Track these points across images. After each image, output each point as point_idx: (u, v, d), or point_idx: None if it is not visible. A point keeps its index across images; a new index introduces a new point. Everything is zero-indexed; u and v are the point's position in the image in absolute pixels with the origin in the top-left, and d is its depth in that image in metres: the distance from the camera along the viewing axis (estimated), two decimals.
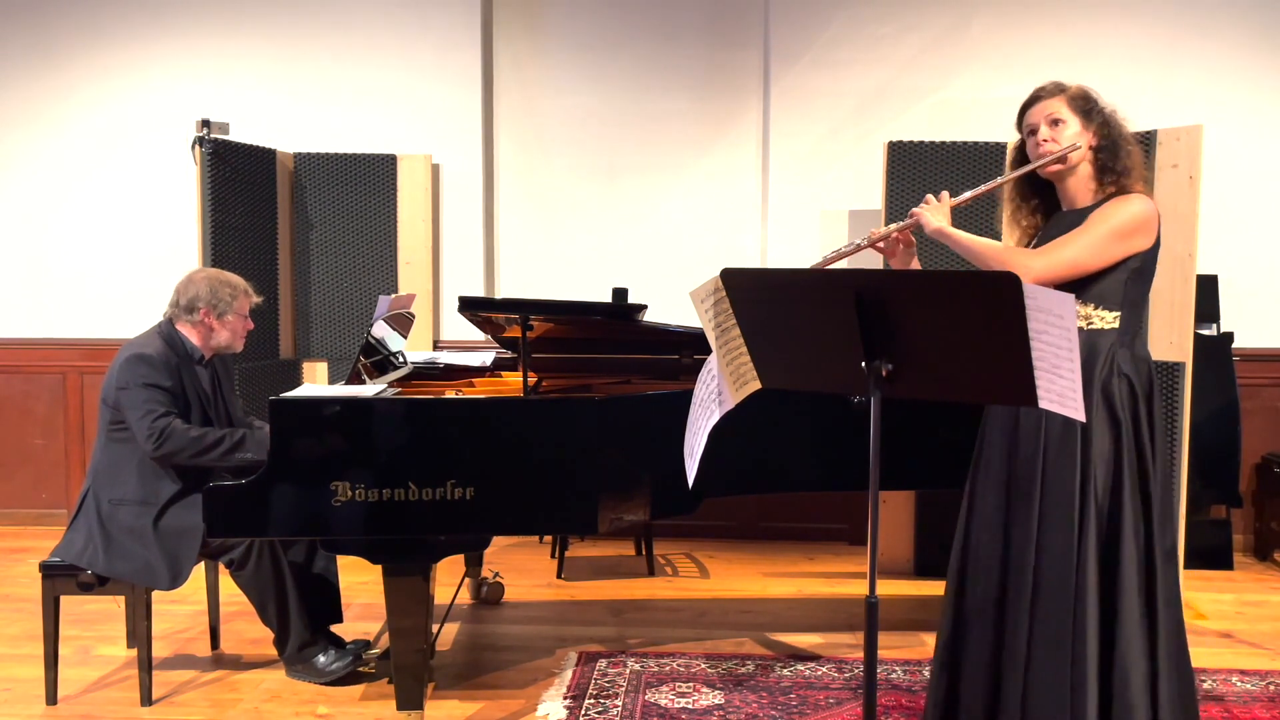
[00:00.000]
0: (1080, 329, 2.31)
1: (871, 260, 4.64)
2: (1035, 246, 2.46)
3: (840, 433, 3.15)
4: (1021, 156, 2.50)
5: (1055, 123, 2.37)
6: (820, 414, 3.15)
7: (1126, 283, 2.33)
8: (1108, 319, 2.35)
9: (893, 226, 2.54)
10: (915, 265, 2.60)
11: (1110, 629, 2.28)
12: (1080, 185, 2.40)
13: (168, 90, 5.00)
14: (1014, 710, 2.30)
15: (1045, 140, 2.38)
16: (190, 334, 3.16)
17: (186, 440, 2.99)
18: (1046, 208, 2.51)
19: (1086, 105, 2.39)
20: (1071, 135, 2.37)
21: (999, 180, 2.49)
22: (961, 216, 4.17)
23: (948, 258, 3.84)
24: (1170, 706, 2.29)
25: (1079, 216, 2.38)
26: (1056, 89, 2.42)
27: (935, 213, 2.45)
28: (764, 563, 4.63)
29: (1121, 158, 2.36)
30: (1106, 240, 2.29)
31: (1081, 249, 2.29)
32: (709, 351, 2.12)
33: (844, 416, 3.13)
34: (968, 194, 2.49)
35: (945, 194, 2.48)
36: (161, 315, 3.22)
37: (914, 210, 2.49)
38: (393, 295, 3.45)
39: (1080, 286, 2.32)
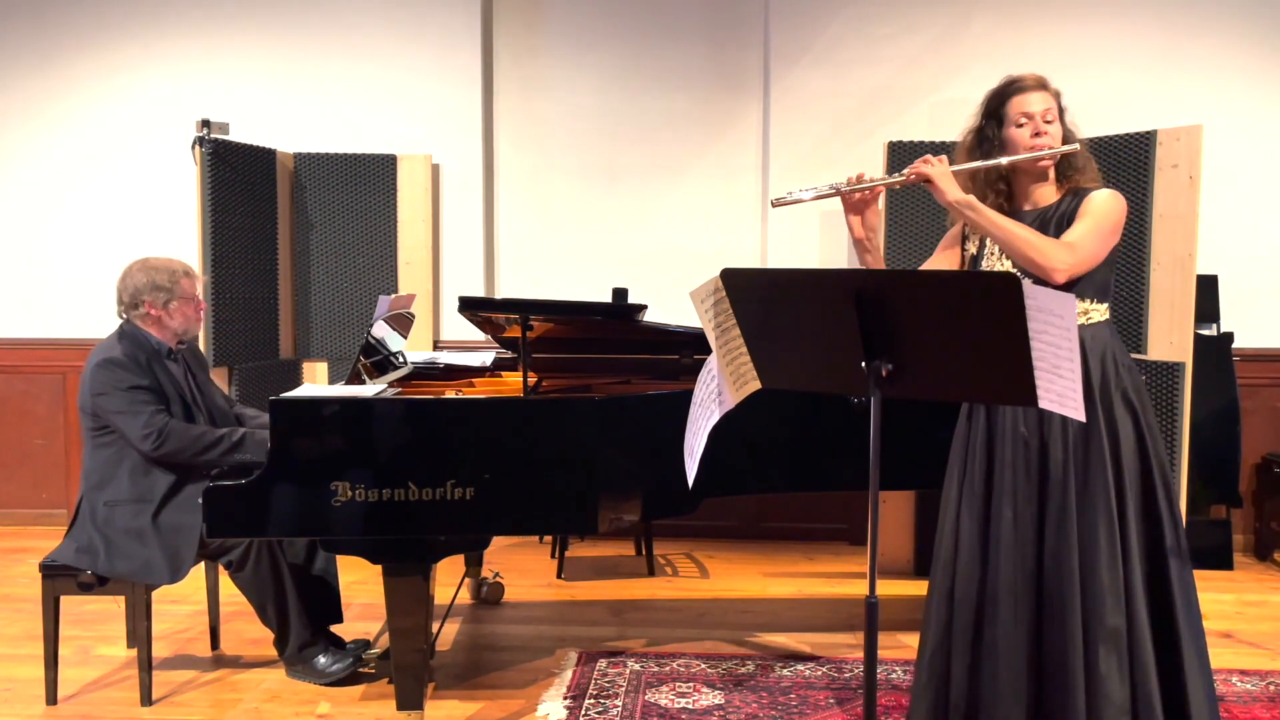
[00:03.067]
0: (1081, 325, 2.33)
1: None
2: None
3: (840, 432, 3.15)
4: (980, 141, 2.46)
5: (1049, 118, 2.39)
6: (820, 414, 3.15)
7: (1109, 275, 2.41)
8: (1102, 310, 2.39)
9: (887, 179, 2.45)
10: (877, 222, 2.52)
11: (1164, 619, 2.31)
12: (1047, 185, 2.44)
13: (168, 90, 5.00)
14: (1076, 712, 2.27)
15: (1045, 134, 2.38)
16: (148, 328, 3.12)
17: (188, 439, 2.99)
18: (1001, 204, 2.48)
19: (1061, 107, 2.44)
20: (1058, 133, 2.41)
21: (1004, 160, 2.40)
22: (910, 199, 4.18)
23: (908, 234, 3.79)
24: (1211, 681, 2.34)
25: (1043, 215, 2.41)
26: (1045, 83, 2.43)
27: (949, 180, 2.37)
28: (764, 563, 4.63)
29: (1080, 158, 2.42)
30: (1110, 235, 2.35)
31: (1098, 244, 2.33)
32: (709, 351, 2.12)
33: (844, 416, 3.13)
34: (968, 165, 2.43)
35: (945, 158, 2.41)
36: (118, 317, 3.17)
37: (917, 168, 2.38)
38: (393, 295, 3.45)
39: (1078, 282, 2.34)
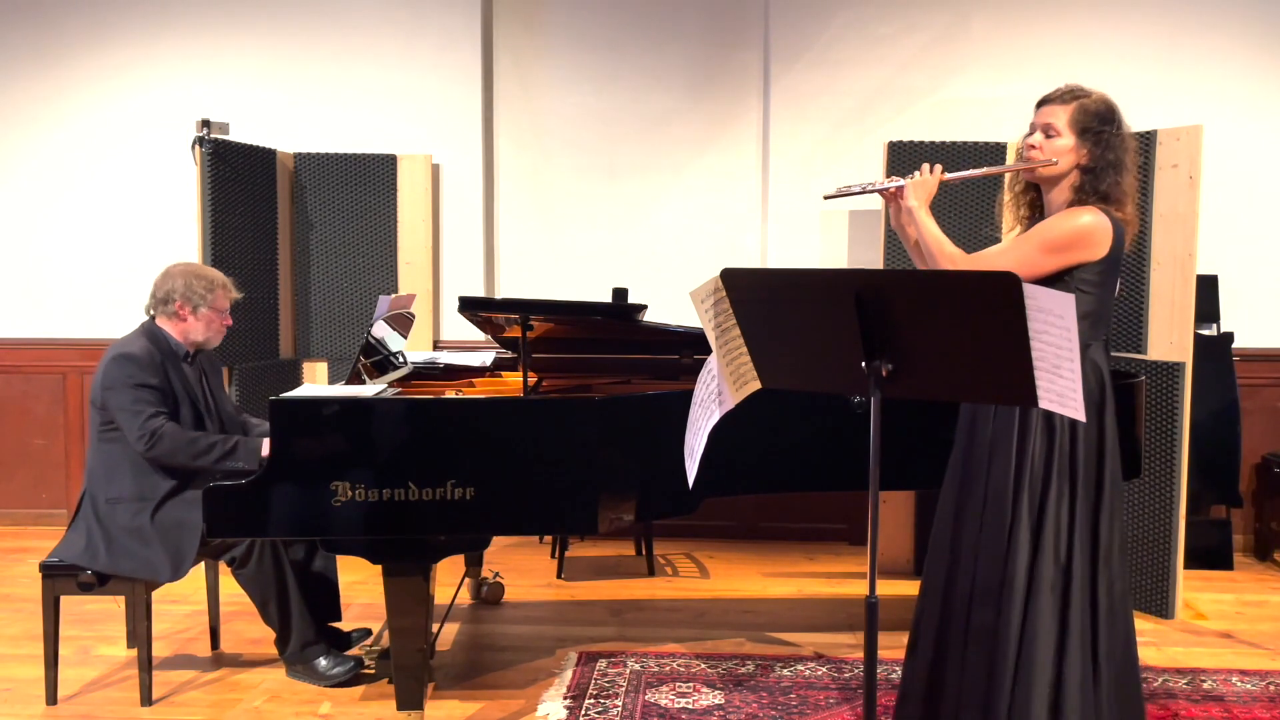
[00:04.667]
0: None
1: (871, 260, 4.64)
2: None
3: (840, 432, 3.15)
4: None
5: (1049, 133, 2.37)
6: (820, 414, 3.15)
7: (1076, 295, 2.31)
8: None
9: (889, 182, 2.55)
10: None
11: (1025, 629, 2.31)
12: (1060, 196, 2.41)
13: (168, 90, 5.00)
14: (952, 698, 2.35)
15: (1033, 146, 2.40)
16: (170, 329, 3.15)
17: (181, 442, 2.98)
18: (1042, 203, 2.52)
19: (1088, 123, 2.36)
20: (1061, 148, 2.36)
21: (990, 170, 2.59)
22: (966, 194, 4.21)
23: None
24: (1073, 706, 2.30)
25: None
26: (1067, 97, 2.39)
27: (919, 189, 2.47)
28: (764, 563, 4.63)
29: (1104, 184, 2.35)
30: (1036, 253, 2.32)
31: (1010, 260, 2.32)
32: (709, 351, 2.12)
33: (844, 416, 3.13)
34: (960, 174, 2.53)
35: (939, 168, 2.49)
36: (144, 314, 3.21)
37: (909, 176, 2.51)
38: (393, 295, 3.45)
39: None
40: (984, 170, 2.58)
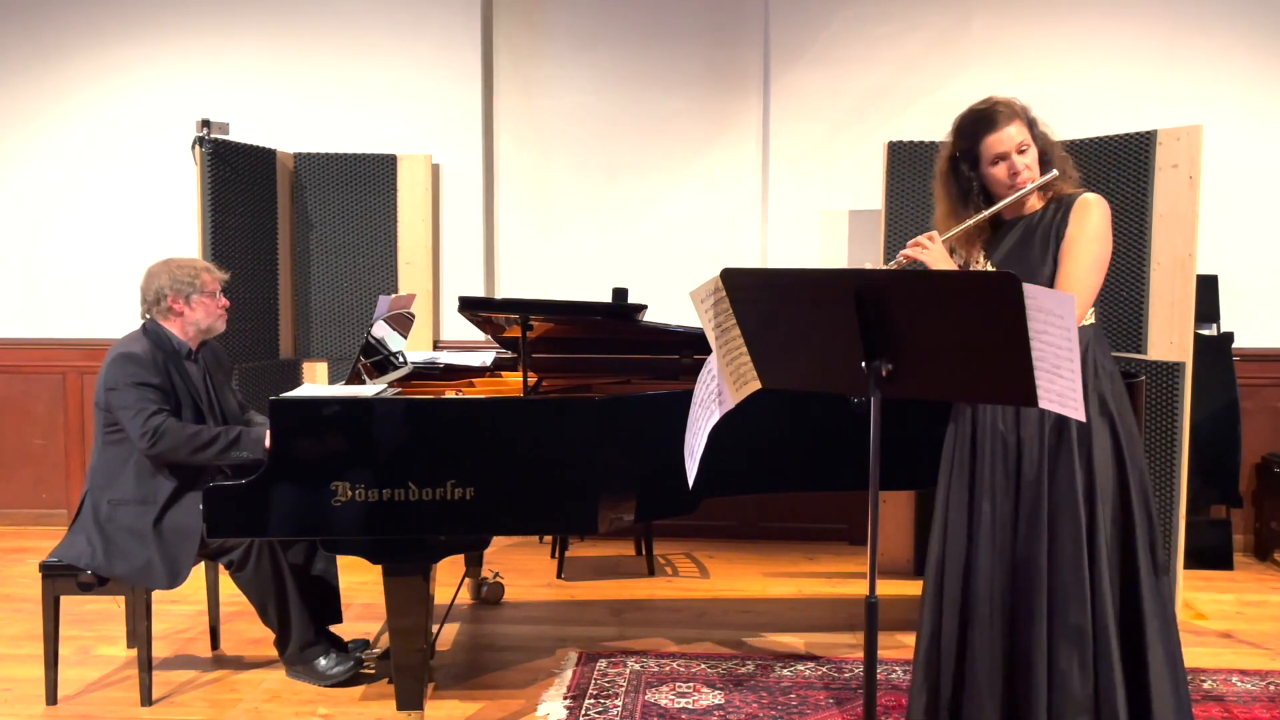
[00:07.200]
0: None
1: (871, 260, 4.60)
2: (990, 254, 2.48)
3: (840, 432, 3.15)
4: (955, 177, 2.46)
5: (1022, 149, 2.38)
6: (820, 414, 3.15)
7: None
8: (1087, 316, 2.39)
9: (885, 269, 2.50)
10: None
11: (1131, 621, 2.33)
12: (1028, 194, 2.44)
13: (168, 90, 5.00)
14: (1039, 708, 2.31)
15: (1024, 169, 2.38)
16: (171, 327, 3.15)
17: (182, 438, 2.98)
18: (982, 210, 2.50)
19: (1031, 122, 2.42)
20: (1034, 157, 2.40)
21: (987, 212, 2.43)
22: (909, 206, 4.18)
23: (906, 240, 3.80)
24: (1184, 687, 2.36)
25: (1029, 222, 2.42)
26: (1008, 111, 2.39)
27: (940, 260, 2.40)
28: (764, 563, 4.63)
29: (1055, 161, 2.41)
30: (1102, 253, 2.36)
31: (1095, 274, 2.34)
32: (709, 351, 2.13)
33: (844, 416, 3.13)
34: (956, 230, 2.45)
35: (935, 234, 2.44)
36: (141, 319, 3.20)
37: (907, 253, 2.42)
38: (393, 295, 3.45)
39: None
40: (983, 215, 2.43)
